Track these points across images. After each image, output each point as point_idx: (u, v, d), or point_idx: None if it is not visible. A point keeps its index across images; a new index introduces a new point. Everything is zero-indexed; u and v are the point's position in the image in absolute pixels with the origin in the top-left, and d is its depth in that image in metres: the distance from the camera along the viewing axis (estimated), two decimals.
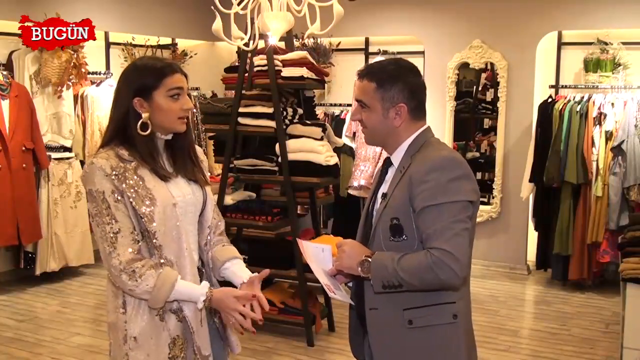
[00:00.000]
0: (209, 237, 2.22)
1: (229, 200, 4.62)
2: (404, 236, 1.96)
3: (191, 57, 6.99)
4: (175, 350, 2.08)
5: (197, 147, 2.27)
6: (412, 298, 1.97)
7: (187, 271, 2.08)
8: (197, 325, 2.09)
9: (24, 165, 5.44)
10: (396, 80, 2.02)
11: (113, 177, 1.99)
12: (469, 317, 2.13)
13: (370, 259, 1.95)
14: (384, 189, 2.08)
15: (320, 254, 2.10)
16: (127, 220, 2.00)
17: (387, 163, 2.12)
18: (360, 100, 2.08)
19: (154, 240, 2.03)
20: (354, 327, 2.22)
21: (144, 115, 2.05)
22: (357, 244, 2.06)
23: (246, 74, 4.60)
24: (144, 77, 2.06)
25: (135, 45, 6.73)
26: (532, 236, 6.21)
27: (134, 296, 2.02)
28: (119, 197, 1.99)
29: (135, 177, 2.02)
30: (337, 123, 6.59)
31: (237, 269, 2.20)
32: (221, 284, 2.24)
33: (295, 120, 4.58)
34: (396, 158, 2.08)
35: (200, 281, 2.16)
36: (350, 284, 2.16)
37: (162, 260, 2.04)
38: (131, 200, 2.00)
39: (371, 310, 2.04)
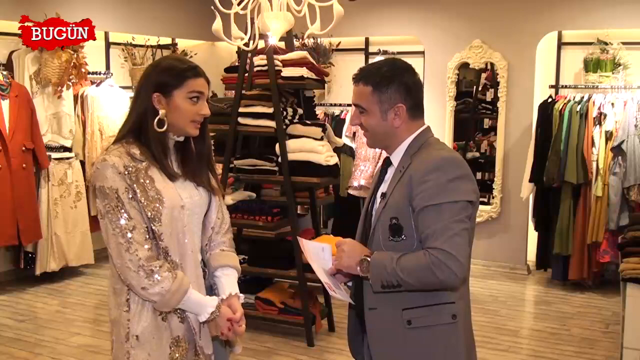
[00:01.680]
0: (210, 238, 2.22)
1: (229, 200, 4.62)
2: (403, 236, 1.96)
3: (191, 57, 6.96)
4: (176, 351, 2.08)
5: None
6: (412, 298, 1.97)
7: (191, 272, 2.09)
8: (200, 326, 2.10)
9: (24, 165, 5.44)
10: (391, 81, 2.02)
11: (126, 175, 1.99)
12: (469, 318, 2.13)
13: (369, 259, 1.95)
14: (383, 188, 2.08)
15: (320, 253, 2.10)
16: (141, 217, 2.00)
17: (387, 163, 2.12)
18: (358, 104, 2.07)
19: (160, 242, 2.03)
20: (353, 327, 2.21)
21: (161, 111, 2.05)
22: (357, 243, 2.06)
23: (246, 74, 4.61)
24: (167, 75, 2.06)
25: (135, 45, 6.73)
26: (532, 236, 6.21)
27: (143, 295, 2.00)
28: (132, 195, 2.00)
29: (146, 177, 2.02)
30: (337, 123, 6.59)
31: (226, 282, 2.19)
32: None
33: (295, 120, 4.58)
34: (396, 158, 2.08)
35: (204, 280, 2.17)
36: (350, 284, 2.16)
37: (168, 263, 2.04)
38: (141, 200, 2.00)
39: (370, 310, 2.04)
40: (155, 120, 2.05)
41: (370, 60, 6.76)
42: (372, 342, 2.05)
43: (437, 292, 1.97)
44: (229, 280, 2.19)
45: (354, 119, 2.11)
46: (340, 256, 2.02)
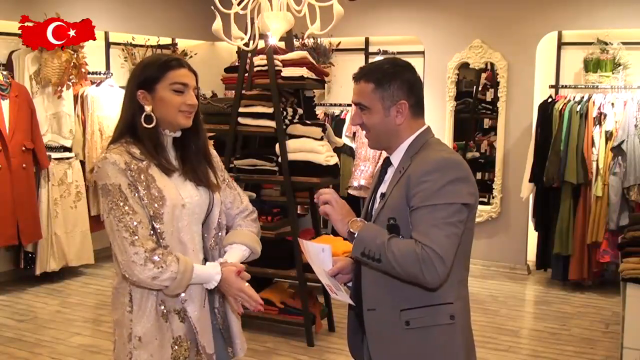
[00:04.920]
0: (218, 236, 2.21)
1: None
2: (400, 236, 1.95)
3: (191, 57, 6.99)
4: (178, 351, 2.08)
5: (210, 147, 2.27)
6: (410, 298, 1.97)
7: None
8: (201, 325, 2.10)
9: (24, 165, 5.44)
10: (394, 77, 2.01)
11: (127, 171, 2.00)
12: (468, 319, 2.12)
13: (364, 221, 1.97)
14: (382, 189, 2.07)
15: (320, 254, 2.10)
16: (144, 212, 2.00)
17: (387, 163, 2.11)
18: (359, 102, 2.05)
19: (161, 240, 2.03)
20: (353, 327, 2.21)
21: (147, 107, 2.05)
22: (346, 203, 2.08)
23: (246, 74, 4.61)
24: (148, 70, 2.07)
25: (135, 45, 6.74)
26: (532, 236, 6.21)
27: (154, 285, 1.99)
28: (135, 192, 2.00)
29: (147, 176, 2.02)
30: (337, 123, 6.60)
31: (227, 254, 2.19)
32: None
33: (295, 120, 4.58)
34: (396, 158, 2.07)
35: None
36: (350, 284, 2.16)
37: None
38: (144, 197, 2.00)
39: (369, 311, 2.03)
40: (143, 116, 2.05)
41: (371, 60, 6.76)
42: (371, 343, 2.05)
43: (435, 293, 1.96)
44: (230, 253, 2.19)
45: (355, 118, 2.09)
46: (338, 206, 2.03)
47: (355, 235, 1.95)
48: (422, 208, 1.89)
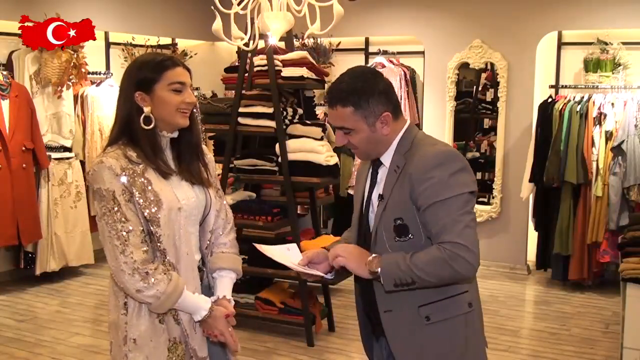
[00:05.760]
0: (212, 238, 2.21)
1: (229, 200, 4.61)
2: (410, 235, 1.96)
3: (191, 57, 6.99)
4: (174, 353, 2.08)
5: (203, 146, 2.26)
6: (425, 294, 1.97)
7: (187, 274, 2.08)
8: (191, 329, 2.09)
9: (24, 165, 5.44)
10: (370, 93, 1.98)
11: (123, 177, 1.99)
12: (480, 302, 2.14)
13: (379, 256, 1.95)
14: (379, 190, 2.06)
15: (286, 252, 2.14)
16: (138, 220, 1.99)
17: (377, 164, 2.09)
18: (342, 127, 2.02)
19: (158, 244, 2.02)
20: (365, 329, 2.23)
21: (146, 109, 2.04)
22: (355, 246, 2.07)
23: (246, 74, 4.61)
24: (144, 71, 2.05)
25: (135, 45, 6.74)
26: (532, 236, 6.20)
27: (138, 298, 2.00)
28: (129, 198, 1.99)
29: (143, 179, 2.01)
30: None
31: (219, 284, 2.20)
32: None
33: (295, 120, 4.58)
34: (386, 158, 2.06)
35: (201, 280, 2.17)
36: (329, 275, 2.13)
37: (165, 264, 2.04)
38: (139, 202, 1.99)
39: (386, 312, 2.03)
40: (142, 118, 2.04)
41: (370, 60, 6.76)
42: (392, 343, 2.04)
43: (451, 285, 1.98)
44: (222, 283, 2.20)
45: (340, 140, 2.05)
46: (348, 253, 2.00)
47: (379, 272, 1.93)
48: (433, 205, 1.90)
